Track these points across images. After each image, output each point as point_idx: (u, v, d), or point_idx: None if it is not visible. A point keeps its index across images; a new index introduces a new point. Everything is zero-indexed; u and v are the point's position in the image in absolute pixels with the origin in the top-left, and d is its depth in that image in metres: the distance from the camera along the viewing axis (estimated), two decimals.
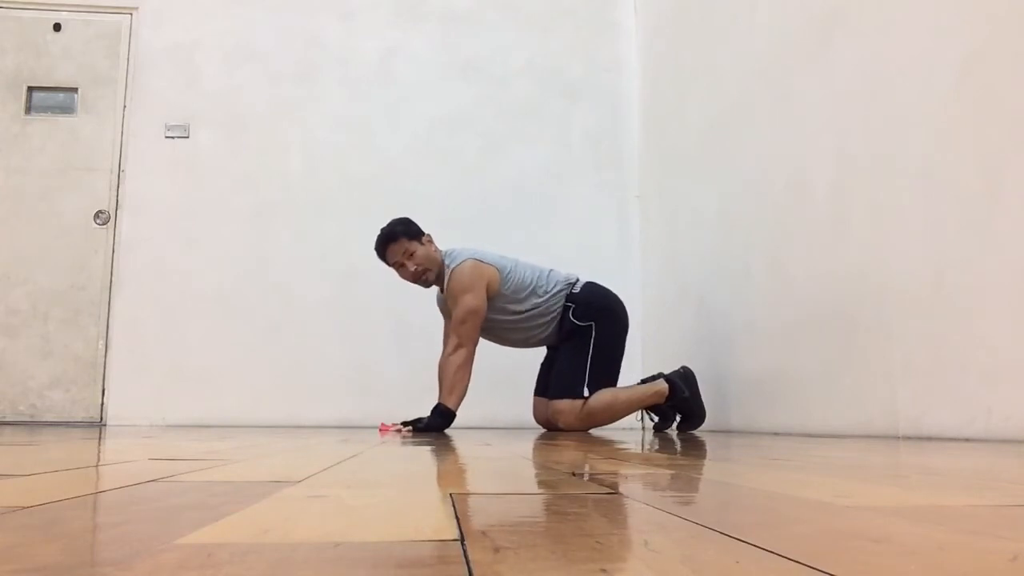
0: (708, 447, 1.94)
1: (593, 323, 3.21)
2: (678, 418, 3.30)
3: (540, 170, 4.68)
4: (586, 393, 3.13)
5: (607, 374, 3.21)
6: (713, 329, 3.68)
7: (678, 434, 3.04)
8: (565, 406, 3.14)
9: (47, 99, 4.59)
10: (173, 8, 4.67)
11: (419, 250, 3.19)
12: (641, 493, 0.81)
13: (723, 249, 3.60)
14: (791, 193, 3.05)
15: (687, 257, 4.03)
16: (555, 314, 3.23)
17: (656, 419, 3.32)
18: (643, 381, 3.32)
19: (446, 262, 3.20)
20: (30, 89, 4.56)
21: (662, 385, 3.21)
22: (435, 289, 3.39)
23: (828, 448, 1.79)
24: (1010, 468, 1.17)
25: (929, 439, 2.24)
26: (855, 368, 2.62)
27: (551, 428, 3.26)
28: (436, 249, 3.25)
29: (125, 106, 4.56)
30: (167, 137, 4.54)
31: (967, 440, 2.11)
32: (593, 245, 4.61)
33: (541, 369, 3.45)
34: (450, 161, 4.65)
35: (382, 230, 3.25)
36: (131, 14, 4.65)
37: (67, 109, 4.57)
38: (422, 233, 3.24)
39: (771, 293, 3.17)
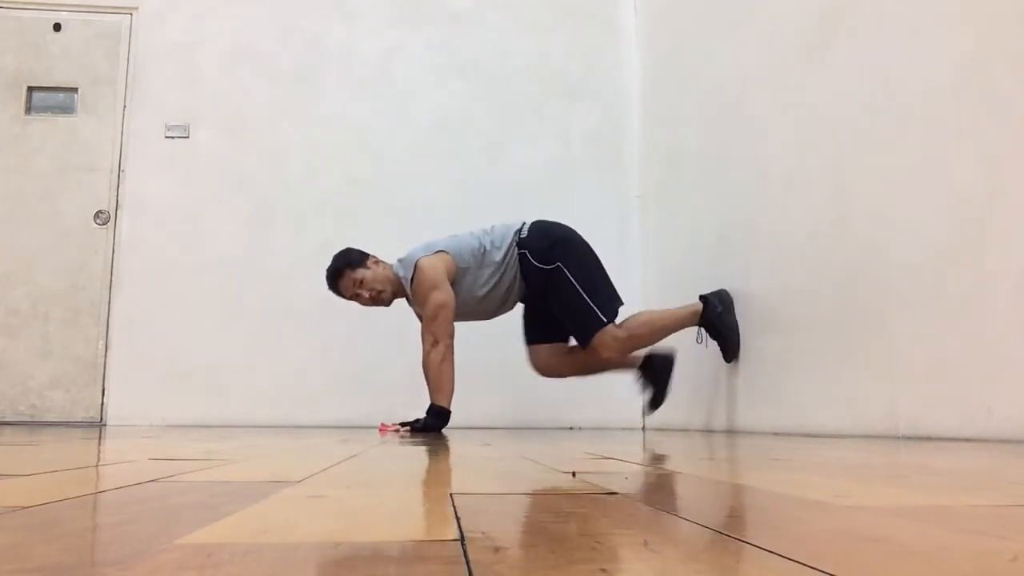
0: (708, 447, 1.94)
1: (558, 262, 3.13)
2: (710, 343, 3.28)
3: (540, 170, 4.68)
4: (615, 320, 3.09)
5: (607, 290, 3.15)
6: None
7: (725, 365, 3.02)
8: (604, 338, 3.06)
9: (47, 99, 4.58)
10: (173, 8, 4.67)
11: (367, 275, 3.17)
12: (641, 493, 0.81)
13: (723, 249, 3.60)
14: (791, 193, 3.05)
15: (687, 257, 4.02)
16: (514, 265, 3.17)
17: (651, 396, 3.33)
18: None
19: (400, 273, 3.16)
20: (30, 89, 4.56)
21: (697, 304, 3.23)
22: None
23: (828, 448, 1.79)
24: (1010, 468, 1.17)
25: (929, 439, 2.24)
26: (855, 368, 2.62)
27: (550, 375, 3.29)
28: (384, 266, 3.22)
29: (125, 106, 4.56)
30: (167, 137, 4.54)
31: (967, 440, 2.11)
32: (593, 245, 4.60)
33: (526, 318, 3.37)
34: (450, 161, 4.65)
35: (327, 271, 3.22)
36: (131, 14, 4.65)
37: (67, 109, 4.57)
38: (365, 257, 3.21)
39: (771, 292, 3.17)
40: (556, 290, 3.14)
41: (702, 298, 3.27)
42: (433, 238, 3.26)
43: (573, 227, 3.32)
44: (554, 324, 3.25)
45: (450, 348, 3.09)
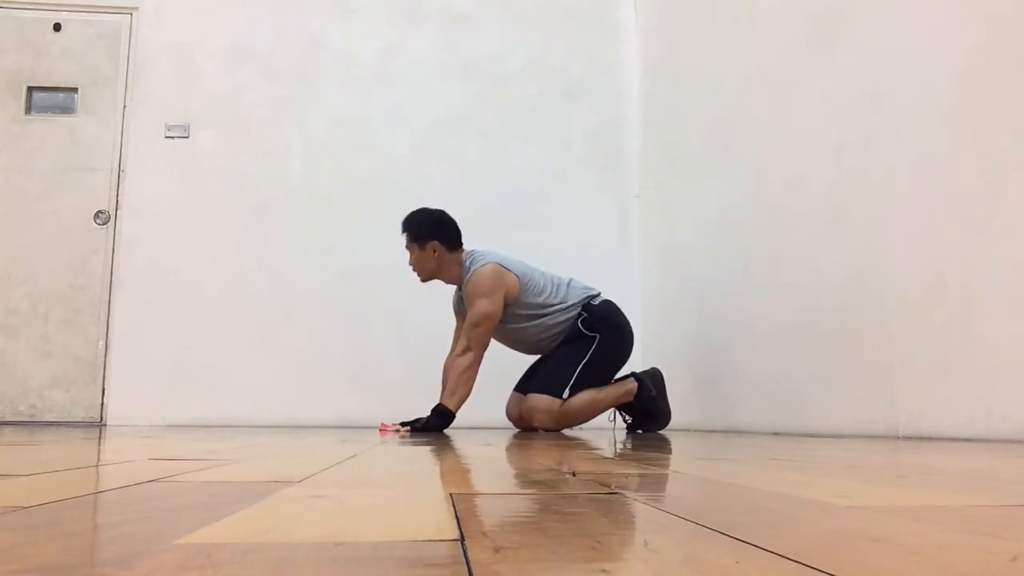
0: (707, 447, 1.94)
1: (598, 335, 3.19)
2: (629, 420, 3.31)
3: (540, 170, 4.68)
4: (566, 395, 3.11)
5: (593, 385, 3.17)
6: (713, 328, 3.68)
7: (640, 434, 3.04)
8: (542, 403, 3.11)
9: (47, 99, 4.58)
10: (173, 8, 4.67)
11: (415, 254, 3.22)
12: (641, 493, 0.81)
13: (723, 249, 3.60)
14: (791, 193, 3.05)
15: (687, 257, 4.02)
16: (569, 322, 3.22)
17: (629, 420, 3.32)
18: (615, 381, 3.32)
19: (467, 263, 3.19)
20: (30, 89, 4.56)
21: (632, 383, 3.25)
22: (441, 289, 3.38)
23: (828, 448, 1.79)
24: (1010, 468, 1.17)
25: (929, 439, 2.24)
26: (855, 368, 2.61)
27: (523, 427, 3.25)
28: (440, 257, 3.20)
29: (125, 106, 4.56)
30: (167, 137, 4.54)
31: (967, 440, 2.11)
32: (593, 245, 4.61)
33: (530, 367, 3.42)
34: (450, 161, 4.65)
35: (403, 222, 3.27)
36: (131, 14, 4.65)
37: (67, 109, 4.57)
38: (429, 240, 3.19)
39: (771, 293, 3.17)
40: (571, 344, 3.20)
41: (636, 377, 3.27)
42: (509, 254, 3.28)
43: (619, 307, 3.36)
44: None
45: (479, 359, 3.13)
